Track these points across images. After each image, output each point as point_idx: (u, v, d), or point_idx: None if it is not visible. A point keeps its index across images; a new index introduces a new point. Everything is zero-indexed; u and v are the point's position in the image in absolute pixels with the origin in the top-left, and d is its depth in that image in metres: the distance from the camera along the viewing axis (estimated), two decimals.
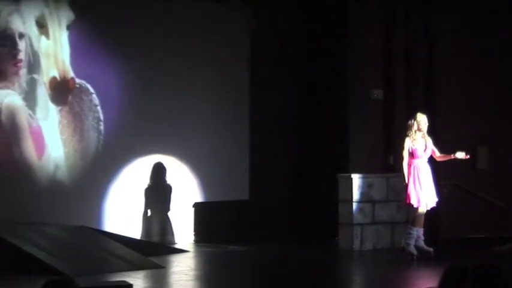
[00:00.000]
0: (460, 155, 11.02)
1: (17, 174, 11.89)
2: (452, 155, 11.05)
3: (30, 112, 12.08)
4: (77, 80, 12.50)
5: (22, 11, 12.09)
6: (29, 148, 12.03)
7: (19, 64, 12.01)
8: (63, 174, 12.38)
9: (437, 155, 11.12)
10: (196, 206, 13.31)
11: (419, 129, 11.04)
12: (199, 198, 13.35)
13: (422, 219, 11.07)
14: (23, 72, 12.03)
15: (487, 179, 12.91)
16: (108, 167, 12.65)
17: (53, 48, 12.34)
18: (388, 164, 12.84)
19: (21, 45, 12.04)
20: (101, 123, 12.68)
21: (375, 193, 12.18)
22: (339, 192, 12.16)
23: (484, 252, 11.08)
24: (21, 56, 12.03)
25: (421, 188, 10.96)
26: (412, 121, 11.11)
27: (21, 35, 12.05)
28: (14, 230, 10.48)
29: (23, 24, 12.07)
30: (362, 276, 10.67)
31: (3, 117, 11.87)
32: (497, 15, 12.98)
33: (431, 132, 11.27)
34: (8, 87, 11.92)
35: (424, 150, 11.05)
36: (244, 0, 13.55)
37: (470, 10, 12.91)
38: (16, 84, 11.98)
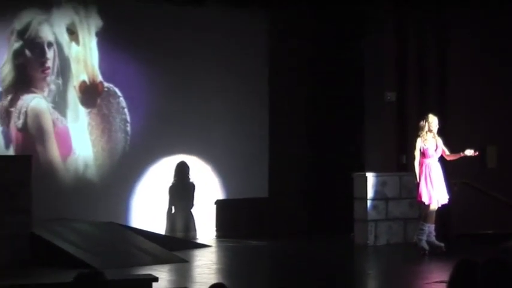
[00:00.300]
0: (469, 152, 10.98)
1: (48, 173, 11.94)
2: (461, 153, 11.01)
3: (57, 114, 12.12)
4: (105, 84, 12.55)
5: (53, 19, 12.13)
6: (54, 149, 12.07)
7: (47, 71, 12.06)
8: (92, 172, 12.43)
9: (447, 154, 11.09)
10: (218, 203, 13.32)
11: (430, 130, 11.02)
12: (220, 195, 13.37)
13: (434, 215, 11.05)
14: (51, 78, 12.08)
15: (495, 178, 12.85)
16: (135, 166, 12.68)
17: (83, 54, 12.39)
18: (400, 163, 12.81)
19: (50, 53, 12.08)
20: (128, 124, 12.72)
21: (389, 191, 12.17)
22: (354, 190, 12.15)
23: (493, 247, 11.04)
24: (49, 63, 12.08)
25: (432, 186, 10.93)
26: (424, 122, 11.09)
27: (50, 44, 12.09)
28: (46, 226, 10.53)
29: (53, 33, 12.12)
30: (376, 270, 10.64)
31: (29, 120, 11.92)
32: (506, 20, 12.92)
33: (442, 132, 11.25)
34: (34, 92, 11.97)
35: (435, 150, 11.03)
36: (263, 6, 13.55)
37: (480, 15, 12.85)
38: (45, 90, 12.03)
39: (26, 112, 11.88)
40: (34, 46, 12.00)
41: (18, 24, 11.87)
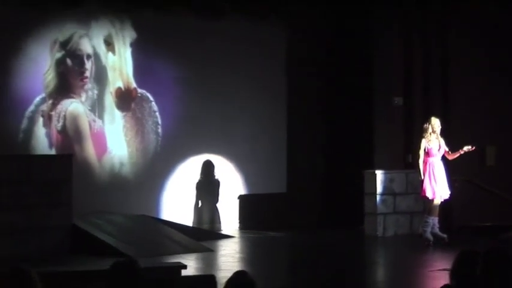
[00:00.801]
0: (467, 148, 10.93)
1: (86, 170, 11.98)
2: (460, 150, 10.96)
3: (94, 117, 12.16)
4: (139, 90, 12.58)
5: (92, 32, 12.18)
6: (90, 149, 12.11)
7: (85, 80, 12.11)
8: (127, 170, 12.46)
9: (449, 153, 11.04)
10: (241, 198, 13.32)
11: (433, 132, 10.98)
12: (243, 191, 13.36)
13: (437, 209, 11.01)
14: (88, 85, 12.13)
15: (494, 175, 12.78)
16: (165, 164, 12.70)
17: (118, 63, 12.43)
18: (407, 161, 12.76)
19: (88, 64, 12.13)
20: (159, 126, 12.74)
21: (396, 187, 12.13)
22: (364, 186, 12.12)
23: (492, 238, 10.98)
24: (87, 73, 12.12)
25: (435, 182, 10.90)
26: (427, 125, 11.05)
27: (89, 56, 12.14)
28: (86, 218, 10.55)
29: (92, 45, 12.17)
30: (385, 259, 10.61)
31: (68, 123, 11.96)
32: (504, 28, 12.86)
33: (445, 133, 11.20)
34: (73, 97, 12.01)
35: (438, 150, 10.99)
36: (281, 18, 13.54)
37: (480, 26, 12.79)
38: (83, 95, 12.09)
39: (64, 116, 11.93)
40: (74, 57, 12.05)
41: (61, 36, 11.92)
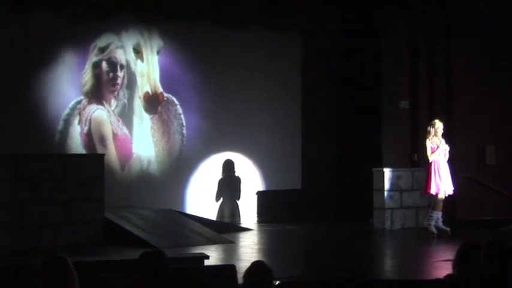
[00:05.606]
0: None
1: (117, 169, 12.00)
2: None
3: (119, 124, 12.11)
4: (165, 94, 12.60)
5: (123, 42, 12.20)
6: (113, 153, 12.07)
7: (116, 86, 12.12)
8: (154, 168, 12.48)
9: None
10: (259, 193, 13.31)
11: (435, 134, 10.96)
12: (261, 187, 13.35)
13: (441, 204, 10.97)
14: (119, 91, 12.13)
15: (493, 173, 12.72)
16: (190, 162, 12.72)
17: (146, 69, 12.45)
18: (413, 160, 12.73)
19: (120, 73, 12.15)
20: (184, 128, 12.76)
21: (403, 183, 12.09)
22: (373, 182, 12.09)
23: (492, 231, 10.91)
24: (119, 81, 12.13)
25: (440, 179, 10.86)
26: (430, 128, 11.03)
27: (122, 66, 12.16)
28: (117, 212, 10.58)
29: (124, 54, 12.19)
30: (392, 250, 10.58)
31: (92, 127, 11.89)
32: (504, 34, 12.80)
33: (448, 134, 11.17)
34: (101, 103, 11.97)
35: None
36: (297, 28, 13.53)
37: (481, 34, 12.73)
38: (113, 99, 12.09)
39: (90, 120, 11.92)
40: (110, 63, 12.06)
41: (100, 42, 11.95)
